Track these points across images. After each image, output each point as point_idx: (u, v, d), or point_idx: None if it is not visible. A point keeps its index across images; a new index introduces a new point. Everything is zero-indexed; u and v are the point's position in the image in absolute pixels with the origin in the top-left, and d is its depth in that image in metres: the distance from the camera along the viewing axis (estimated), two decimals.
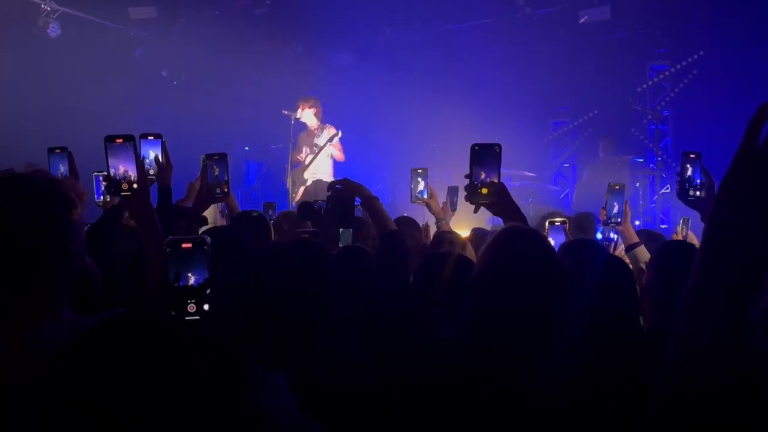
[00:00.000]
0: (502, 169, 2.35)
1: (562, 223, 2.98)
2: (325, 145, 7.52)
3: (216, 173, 2.90)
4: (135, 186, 2.15)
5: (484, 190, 2.29)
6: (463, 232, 4.22)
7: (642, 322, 2.17)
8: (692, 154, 2.76)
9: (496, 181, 2.31)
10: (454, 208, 4.41)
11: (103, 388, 1.07)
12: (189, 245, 1.65)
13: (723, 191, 0.78)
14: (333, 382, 1.67)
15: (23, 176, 1.60)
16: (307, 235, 2.97)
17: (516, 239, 1.78)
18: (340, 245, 3.30)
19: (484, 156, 2.33)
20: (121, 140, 2.18)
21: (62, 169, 2.90)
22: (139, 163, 2.20)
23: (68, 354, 1.12)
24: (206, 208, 3.08)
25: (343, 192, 2.60)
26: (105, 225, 2.83)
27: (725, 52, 8.30)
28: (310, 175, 7.62)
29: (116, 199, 3.57)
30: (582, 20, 8.59)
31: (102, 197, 3.64)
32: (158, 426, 1.10)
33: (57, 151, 2.94)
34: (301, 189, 7.56)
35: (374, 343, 2.02)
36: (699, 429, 0.75)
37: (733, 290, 0.75)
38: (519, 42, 9.34)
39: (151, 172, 2.75)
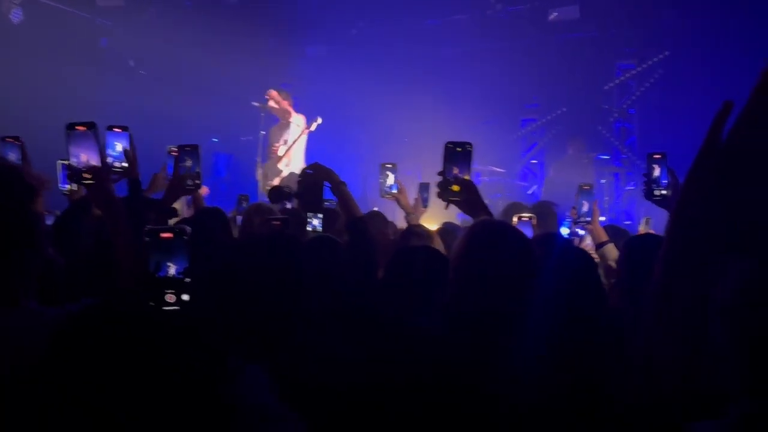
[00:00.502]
0: (471, 165, 2.38)
1: (530, 218, 3.04)
2: (302, 133, 7.47)
3: (188, 165, 2.86)
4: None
5: (456, 187, 2.32)
6: (434, 227, 4.24)
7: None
8: (657, 154, 2.82)
9: (467, 178, 2.33)
10: (425, 205, 4.42)
11: (80, 381, 1.06)
12: (169, 235, 1.63)
13: (687, 187, 0.79)
14: (309, 376, 1.67)
15: None
16: (278, 222, 2.96)
17: (494, 232, 1.79)
18: (309, 230, 3.31)
19: (457, 154, 2.35)
20: (83, 128, 2.12)
21: (13, 157, 2.83)
22: (101, 151, 2.15)
23: (46, 346, 1.10)
24: (176, 200, 3.05)
25: (313, 176, 2.60)
26: (72, 216, 2.79)
27: (691, 53, 8.47)
28: (284, 167, 7.57)
29: (84, 189, 3.54)
30: (551, 17, 8.68)
31: (68, 186, 3.59)
32: (137, 415, 1.10)
33: (9, 140, 2.89)
34: (276, 181, 7.51)
35: (349, 335, 2.03)
36: (668, 416, 0.77)
37: (696, 285, 0.77)
38: (489, 39, 9.41)
39: (117, 164, 2.65)
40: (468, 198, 2.31)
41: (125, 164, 2.65)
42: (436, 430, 1.51)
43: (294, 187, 6.23)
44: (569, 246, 2.13)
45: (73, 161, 2.11)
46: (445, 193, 2.33)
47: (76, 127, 2.13)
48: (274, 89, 7.71)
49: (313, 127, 7.50)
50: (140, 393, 1.08)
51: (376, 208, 5.79)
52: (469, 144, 2.36)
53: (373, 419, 1.56)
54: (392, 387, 1.59)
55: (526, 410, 1.51)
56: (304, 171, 2.68)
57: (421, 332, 1.72)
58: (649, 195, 2.80)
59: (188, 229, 1.66)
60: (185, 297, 1.60)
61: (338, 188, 2.61)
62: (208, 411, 1.14)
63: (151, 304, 1.58)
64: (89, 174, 2.08)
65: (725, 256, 0.76)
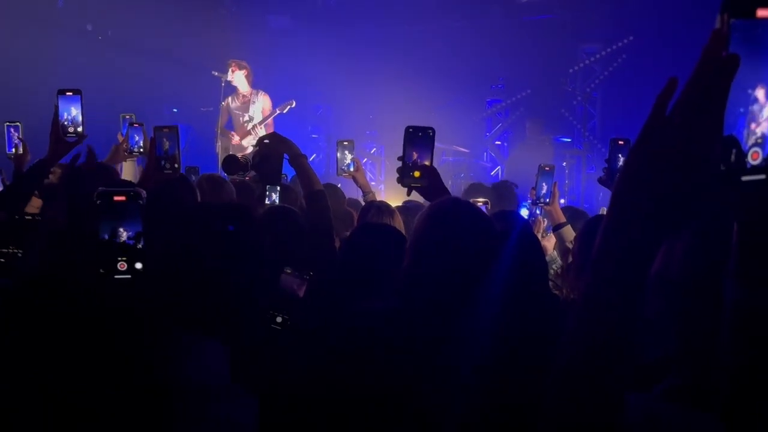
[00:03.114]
0: (436, 144, 2.35)
1: (484, 203, 3.06)
2: (274, 113, 7.34)
3: (166, 147, 2.69)
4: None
5: (417, 173, 2.28)
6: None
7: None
8: (621, 140, 2.80)
9: (428, 164, 2.30)
10: None
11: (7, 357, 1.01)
12: (122, 198, 1.52)
13: (627, 165, 0.80)
14: (261, 351, 1.65)
15: None
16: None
17: (452, 211, 1.77)
18: (267, 202, 3.24)
19: (418, 138, 2.31)
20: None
21: None
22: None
23: None
24: (152, 184, 2.92)
25: (271, 147, 2.52)
26: (32, 178, 2.68)
27: (655, 38, 8.57)
28: (248, 144, 7.43)
29: (29, 155, 3.47)
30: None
31: (13, 149, 3.55)
32: (75, 393, 1.06)
33: None
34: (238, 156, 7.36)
35: (303, 313, 2.00)
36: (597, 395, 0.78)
37: (631, 269, 0.78)
38: (457, 17, 9.38)
39: (71, 129, 2.64)
40: (430, 184, 2.28)
41: (80, 129, 2.65)
42: (391, 410, 1.50)
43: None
44: (521, 226, 2.12)
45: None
46: (405, 179, 2.29)
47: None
48: (235, 60, 7.53)
49: (286, 110, 7.38)
50: (76, 373, 1.04)
51: (338, 184, 5.76)
52: (431, 129, 2.32)
53: (326, 400, 1.54)
54: (344, 367, 1.57)
55: (478, 389, 1.51)
56: (260, 140, 2.59)
57: (374, 312, 1.69)
58: (608, 183, 2.79)
59: (143, 192, 1.56)
60: (138, 265, 1.50)
61: (297, 160, 2.53)
62: (150, 389, 1.11)
63: (101, 271, 1.48)
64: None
65: (663, 233, 0.77)
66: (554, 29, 9.19)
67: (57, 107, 2.65)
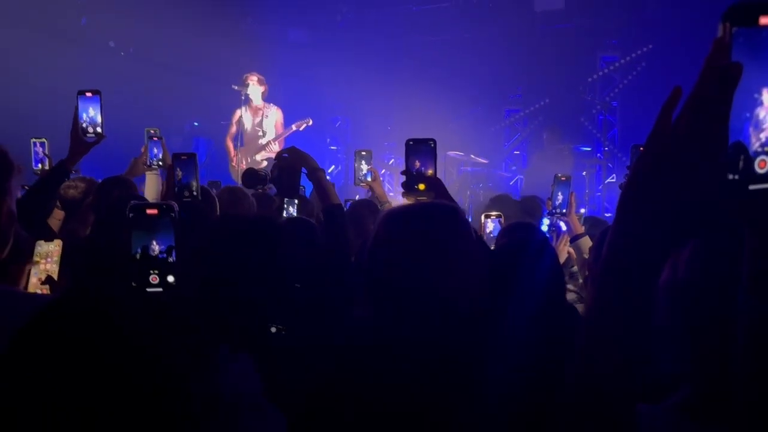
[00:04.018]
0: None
1: (497, 216, 3.09)
2: (290, 131, 7.39)
3: (179, 176, 2.67)
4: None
5: (422, 186, 2.27)
6: None
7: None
8: (643, 147, 2.76)
9: (430, 173, 2.29)
10: None
11: (49, 373, 1.03)
12: (155, 211, 1.52)
13: (634, 174, 0.80)
14: (285, 368, 1.64)
15: None
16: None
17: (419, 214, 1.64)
18: (285, 215, 3.28)
19: (419, 151, 2.31)
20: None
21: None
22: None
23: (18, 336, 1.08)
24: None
25: (289, 161, 2.54)
26: (54, 178, 2.73)
27: (674, 46, 8.50)
28: (263, 159, 7.48)
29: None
30: (537, 8, 8.68)
31: (39, 165, 3.60)
32: (113, 408, 1.07)
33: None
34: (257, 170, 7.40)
35: (322, 326, 2.00)
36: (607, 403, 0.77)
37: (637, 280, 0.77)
38: (474, 27, 9.38)
39: (90, 130, 2.64)
40: (436, 196, 2.25)
41: (99, 129, 2.64)
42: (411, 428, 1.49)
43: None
44: (535, 237, 2.09)
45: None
46: (411, 193, 2.28)
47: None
48: (250, 73, 7.61)
49: (302, 127, 7.42)
50: (112, 389, 1.05)
51: (356, 195, 5.78)
52: (432, 140, 2.31)
53: (343, 414, 1.54)
54: (359, 381, 1.55)
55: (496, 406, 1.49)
56: (279, 154, 2.62)
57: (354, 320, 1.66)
58: None
59: (176, 205, 1.57)
60: (170, 279, 1.50)
61: (314, 174, 2.54)
62: (188, 402, 1.12)
63: (134, 285, 1.49)
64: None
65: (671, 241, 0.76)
66: (572, 38, 9.17)
67: (77, 108, 2.64)
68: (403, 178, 2.32)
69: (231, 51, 9.02)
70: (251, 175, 3.20)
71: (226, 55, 9.02)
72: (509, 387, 1.40)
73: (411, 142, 2.31)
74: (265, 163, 7.36)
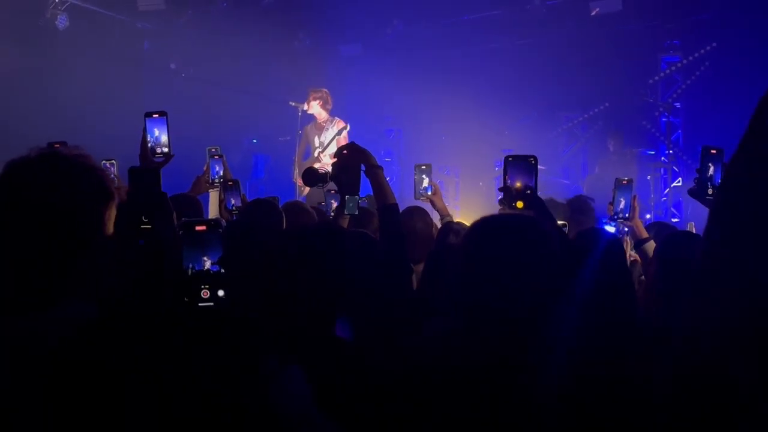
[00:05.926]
0: (537, 178, 2.26)
1: (563, 226, 2.99)
2: (333, 140, 7.43)
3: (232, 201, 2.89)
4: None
5: (520, 204, 2.20)
6: None
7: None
8: (714, 149, 2.55)
9: (529, 192, 2.21)
10: None
11: (101, 384, 1.05)
12: (203, 228, 1.57)
13: (730, 172, 0.75)
14: (343, 380, 1.63)
15: (68, 156, 1.56)
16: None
17: (505, 227, 1.67)
18: (346, 213, 3.28)
19: (519, 167, 2.23)
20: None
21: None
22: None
23: (66, 350, 1.10)
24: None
25: (349, 157, 2.53)
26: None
27: (737, 44, 8.19)
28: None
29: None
30: (593, 12, 8.49)
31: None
32: (167, 421, 1.08)
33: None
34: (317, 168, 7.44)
35: (382, 336, 1.98)
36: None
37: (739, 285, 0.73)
38: (528, 34, 9.25)
39: (158, 150, 2.70)
40: (536, 216, 2.16)
41: (166, 149, 2.70)
42: None
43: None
44: (612, 243, 2.02)
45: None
46: (509, 210, 2.22)
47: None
48: (312, 89, 7.67)
49: (343, 134, 7.40)
50: (165, 403, 1.06)
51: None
52: (533, 157, 2.23)
53: (403, 427, 1.51)
54: (418, 393, 1.53)
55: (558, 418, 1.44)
56: (339, 151, 2.61)
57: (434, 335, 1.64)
58: (699, 194, 2.59)
59: (223, 221, 1.62)
60: (220, 293, 1.53)
61: (373, 171, 2.51)
62: (240, 418, 1.12)
63: (186, 299, 1.52)
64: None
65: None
66: (631, 40, 8.93)
67: (144, 129, 2.71)
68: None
69: (286, 68, 9.18)
70: (311, 174, 3.23)
71: (282, 72, 9.18)
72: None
73: (510, 158, 2.25)
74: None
